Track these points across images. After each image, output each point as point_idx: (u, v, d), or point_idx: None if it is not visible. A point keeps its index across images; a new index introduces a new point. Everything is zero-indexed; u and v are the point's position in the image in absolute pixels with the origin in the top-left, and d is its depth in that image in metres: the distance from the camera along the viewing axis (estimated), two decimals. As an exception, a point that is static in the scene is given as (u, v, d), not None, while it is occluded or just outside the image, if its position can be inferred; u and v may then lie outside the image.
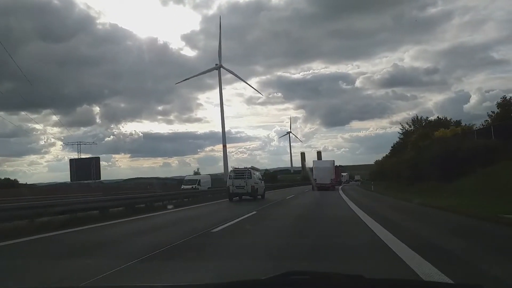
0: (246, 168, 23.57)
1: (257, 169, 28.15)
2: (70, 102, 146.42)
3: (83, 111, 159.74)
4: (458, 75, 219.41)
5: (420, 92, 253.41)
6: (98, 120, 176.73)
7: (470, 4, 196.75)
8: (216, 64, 65.22)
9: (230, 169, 26.71)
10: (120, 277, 4.76)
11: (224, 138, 65.58)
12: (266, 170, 66.05)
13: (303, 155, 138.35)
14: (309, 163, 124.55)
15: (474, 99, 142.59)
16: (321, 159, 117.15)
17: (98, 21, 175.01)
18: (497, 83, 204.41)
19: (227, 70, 67.03)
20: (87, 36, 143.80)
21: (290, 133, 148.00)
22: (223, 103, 67.71)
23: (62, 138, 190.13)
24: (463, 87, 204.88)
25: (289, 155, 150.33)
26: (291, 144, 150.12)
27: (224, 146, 65.41)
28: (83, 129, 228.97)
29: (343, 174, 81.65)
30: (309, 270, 1.80)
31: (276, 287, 1.73)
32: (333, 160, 42.80)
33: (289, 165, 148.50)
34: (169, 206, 16.63)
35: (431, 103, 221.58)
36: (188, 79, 72.45)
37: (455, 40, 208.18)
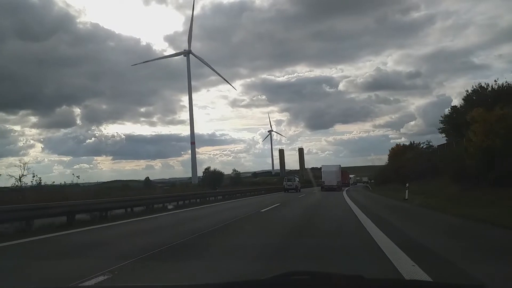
0: (293, 175, 49.65)
1: (297, 176, 52.84)
2: (49, 103, 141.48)
3: (62, 112, 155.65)
4: (440, 79, 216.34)
5: (402, 96, 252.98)
6: (78, 122, 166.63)
7: (452, 8, 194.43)
8: (185, 50, 59.12)
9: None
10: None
11: (192, 134, 59.35)
12: (235, 171, 63.69)
13: (281, 152, 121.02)
14: (289, 164, 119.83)
15: (455, 103, 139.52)
16: (303, 158, 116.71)
17: (78, 20, 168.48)
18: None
19: (196, 56, 59.96)
20: (67, 35, 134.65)
21: (272, 132, 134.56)
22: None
23: (42, 140, 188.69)
24: (444, 92, 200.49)
25: (272, 157, 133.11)
26: (274, 145, 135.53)
27: (193, 143, 58.94)
28: (63, 130, 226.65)
29: (351, 176, 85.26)
30: (309, 270, 1.80)
31: (277, 287, 1.73)
32: (339, 165, 47.86)
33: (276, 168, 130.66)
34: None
35: (414, 107, 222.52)
36: (149, 61, 68.98)
37: (438, 45, 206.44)
